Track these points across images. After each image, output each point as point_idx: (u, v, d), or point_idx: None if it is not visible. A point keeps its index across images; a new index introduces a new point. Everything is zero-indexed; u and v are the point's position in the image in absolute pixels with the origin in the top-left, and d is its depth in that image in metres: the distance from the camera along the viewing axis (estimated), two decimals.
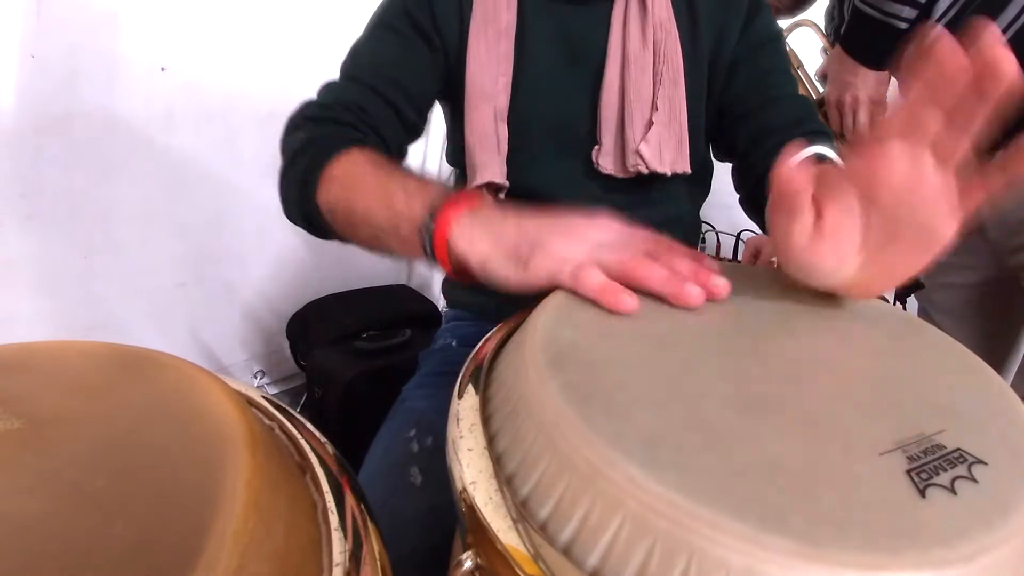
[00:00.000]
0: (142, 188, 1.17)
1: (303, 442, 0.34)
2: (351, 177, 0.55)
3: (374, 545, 0.29)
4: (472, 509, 0.30)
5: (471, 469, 0.32)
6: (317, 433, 0.35)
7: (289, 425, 0.35)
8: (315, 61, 1.12)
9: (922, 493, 0.27)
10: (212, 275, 1.31)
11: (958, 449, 0.30)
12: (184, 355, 0.35)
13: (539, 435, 0.31)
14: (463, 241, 0.46)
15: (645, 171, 0.66)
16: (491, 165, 0.67)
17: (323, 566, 0.27)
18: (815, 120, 0.66)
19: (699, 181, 0.70)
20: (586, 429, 0.29)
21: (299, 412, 0.37)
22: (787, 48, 1.13)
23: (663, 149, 0.66)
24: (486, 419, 0.35)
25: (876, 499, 0.27)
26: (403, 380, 0.75)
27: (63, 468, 0.26)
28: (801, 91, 1.11)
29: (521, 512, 0.29)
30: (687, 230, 0.77)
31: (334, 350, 1.24)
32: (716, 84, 0.69)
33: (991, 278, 0.93)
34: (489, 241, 0.46)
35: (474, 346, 0.43)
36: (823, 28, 1.13)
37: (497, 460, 0.32)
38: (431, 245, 0.48)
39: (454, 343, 0.77)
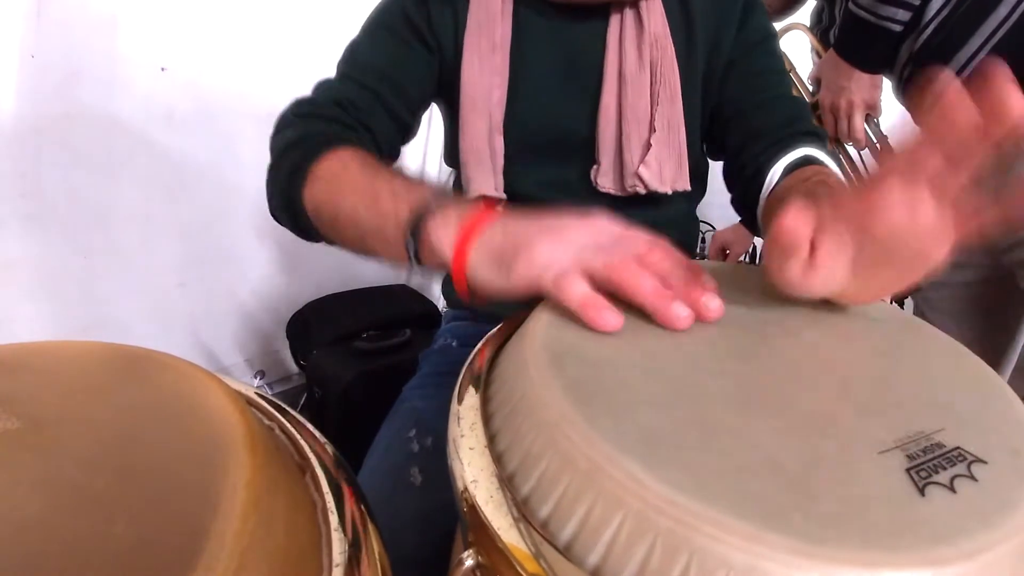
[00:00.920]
0: (142, 188, 1.17)
1: (303, 442, 0.34)
2: (337, 176, 0.54)
3: (374, 545, 0.29)
4: (473, 508, 0.30)
5: (472, 468, 0.32)
6: (317, 433, 0.35)
7: (289, 425, 0.35)
8: (315, 61, 1.12)
9: (922, 491, 0.27)
10: (212, 275, 1.31)
11: (957, 448, 0.30)
12: (184, 355, 0.35)
13: (540, 434, 0.31)
14: (446, 245, 0.44)
15: (644, 191, 0.66)
16: (482, 178, 0.66)
17: (323, 566, 0.27)
18: (807, 121, 0.66)
19: (695, 181, 0.70)
20: (587, 428, 0.29)
21: (299, 412, 0.37)
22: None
23: (663, 169, 0.66)
24: (487, 418, 0.35)
25: (876, 497, 0.27)
26: (403, 380, 0.75)
27: (63, 468, 0.26)
28: (794, 94, 1.12)
29: (522, 511, 0.29)
30: (684, 230, 0.77)
31: (334, 350, 1.24)
32: (711, 87, 0.69)
33: (986, 276, 0.93)
34: (475, 244, 0.43)
35: (474, 346, 0.43)
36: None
37: (498, 459, 0.32)
38: (416, 248, 0.46)
39: (454, 343, 0.77)
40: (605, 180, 0.67)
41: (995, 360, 0.97)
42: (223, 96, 1.23)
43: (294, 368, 1.41)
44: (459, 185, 0.72)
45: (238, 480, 0.25)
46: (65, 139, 1.06)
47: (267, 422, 0.36)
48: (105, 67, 1.09)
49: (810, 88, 1.10)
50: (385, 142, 0.65)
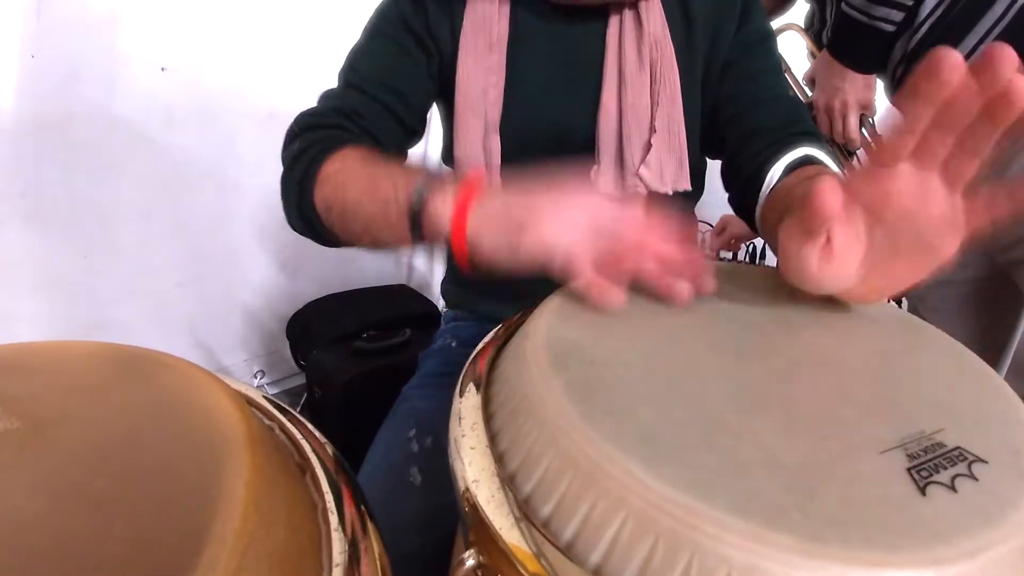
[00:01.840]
0: (142, 188, 1.17)
1: (303, 442, 0.34)
2: (342, 174, 0.56)
3: (374, 545, 0.29)
4: (474, 507, 0.30)
5: (473, 468, 0.32)
6: (317, 433, 0.35)
7: (289, 425, 0.35)
8: (314, 61, 1.12)
9: (922, 491, 0.27)
10: (212, 275, 1.31)
11: (958, 447, 0.30)
12: (184, 355, 0.35)
13: (541, 433, 0.31)
14: (445, 217, 0.46)
15: (645, 192, 0.66)
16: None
17: (323, 566, 0.27)
18: (806, 121, 0.66)
19: (693, 181, 0.70)
20: (588, 427, 0.29)
21: (299, 412, 0.37)
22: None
23: (663, 170, 0.66)
24: (488, 418, 0.35)
25: (877, 497, 0.27)
26: (403, 380, 0.75)
27: (63, 468, 0.26)
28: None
29: (523, 510, 0.29)
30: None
31: (334, 350, 1.24)
32: (709, 86, 0.69)
33: (982, 275, 0.93)
34: (480, 218, 0.46)
35: (474, 346, 0.43)
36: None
37: (499, 459, 0.32)
38: (418, 225, 0.48)
39: (454, 344, 0.77)
40: (604, 181, 0.67)
41: (991, 359, 0.97)
42: (223, 96, 1.23)
43: (294, 368, 1.41)
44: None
45: (238, 480, 0.25)
46: (65, 139, 1.07)
47: (267, 422, 0.36)
48: (105, 67, 1.09)
49: (806, 90, 1.10)
50: (392, 148, 0.65)
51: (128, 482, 0.26)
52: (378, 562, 0.29)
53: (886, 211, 0.36)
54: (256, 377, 1.38)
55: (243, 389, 0.37)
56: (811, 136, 0.63)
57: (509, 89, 0.66)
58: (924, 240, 0.36)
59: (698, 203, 0.80)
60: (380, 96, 0.64)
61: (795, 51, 1.15)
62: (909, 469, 0.29)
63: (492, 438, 0.33)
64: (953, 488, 0.28)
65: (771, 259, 1.54)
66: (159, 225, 1.21)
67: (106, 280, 1.16)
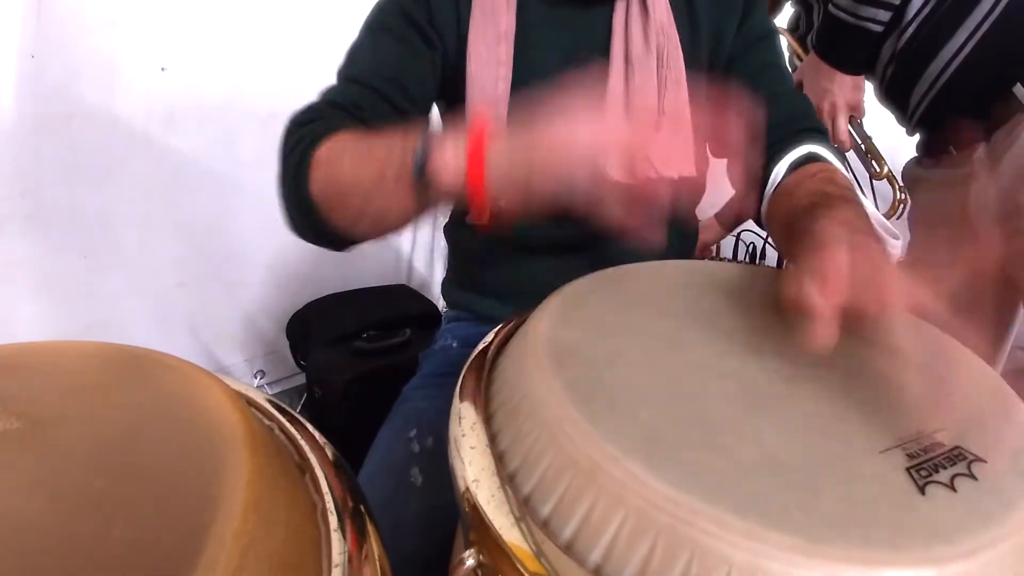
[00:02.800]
0: (142, 188, 1.17)
1: (303, 443, 0.34)
2: (336, 152, 0.54)
3: (374, 546, 0.29)
4: (474, 507, 0.30)
5: (473, 467, 0.32)
6: (317, 434, 0.35)
7: (289, 426, 0.35)
8: (315, 61, 1.12)
9: (922, 490, 0.27)
10: (212, 275, 1.30)
11: (957, 447, 0.30)
12: (184, 355, 0.35)
13: (541, 433, 0.31)
14: (456, 162, 0.45)
15: (653, 176, 0.66)
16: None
17: (323, 567, 0.27)
18: (810, 117, 0.66)
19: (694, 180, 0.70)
20: (588, 427, 0.29)
21: (299, 412, 0.37)
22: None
23: (670, 153, 0.66)
24: (488, 417, 0.35)
25: (877, 496, 0.27)
26: (403, 380, 0.75)
27: (63, 468, 0.26)
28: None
29: (523, 510, 0.29)
30: (683, 228, 0.77)
31: (334, 350, 1.24)
32: (713, 82, 0.69)
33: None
34: (495, 162, 0.44)
35: (474, 346, 0.43)
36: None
37: (499, 458, 0.32)
38: (426, 184, 0.46)
39: (454, 344, 0.77)
40: (611, 164, 0.67)
41: (990, 352, 0.97)
42: (223, 96, 1.22)
43: (294, 368, 1.41)
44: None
45: (238, 480, 0.25)
46: (65, 139, 1.06)
47: (267, 422, 0.36)
48: (105, 67, 1.08)
49: None
50: None
51: (128, 482, 0.26)
52: (378, 563, 0.29)
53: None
54: (256, 377, 1.38)
55: (243, 389, 0.37)
56: (815, 132, 0.63)
57: (516, 79, 0.66)
58: None
59: (698, 204, 0.80)
60: (379, 87, 0.62)
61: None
62: (909, 469, 0.29)
63: (492, 438, 0.33)
64: (953, 487, 0.28)
65: (771, 259, 1.54)
66: (159, 225, 1.21)
67: (106, 280, 1.16)
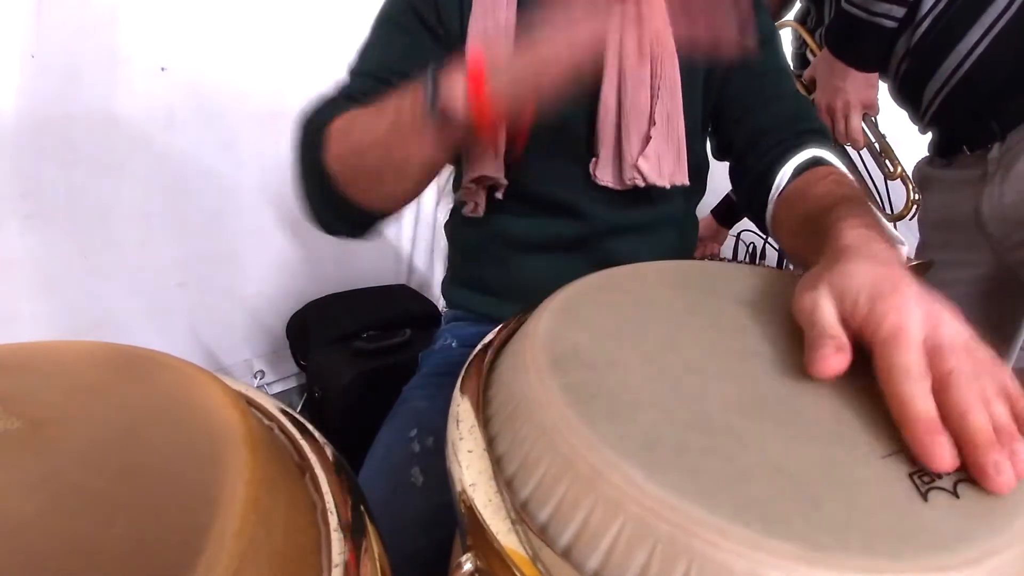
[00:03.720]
0: (142, 188, 1.17)
1: (303, 442, 0.34)
2: (348, 123, 0.56)
3: (374, 546, 0.29)
4: (471, 511, 0.30)
5: (471, 471, 0.32)
6: (317, 434, 0.35)
7: (289, 425, 0.35)
8: (315, 61, 1.12)
9: (924, 497, 0.27)
10: (212, 275, 1.30)
11: None
12: (184, 355, 0.35)
13: (540, 437, 0.31)
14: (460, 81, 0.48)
15: (643, 184, 0.66)
16: (483, 162, 0.66)
17: (323, 567, 0.27)
18: (813, 118, 0.66)
19: (695, 180, 0.70)
20: (587, 431, 0.29)
21: (299, 412, 0.37)
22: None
23: (662, 163, 0.66)
24: (486, 420, 0.35)
25: (878, 503, 0.27)
26: (403, 380, 0.75)
27: (63, 468, 0.26)
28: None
29: (521, 514, 0.29)
30: (684, 229, 0.77)
31: (334, 350, 1.24)
32: (712, 85, 0.69)
33: (989, 274, 0.93)
34: (495, 74, 0.47)
35: (474, 347, 0.42)
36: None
37: (497, 462, 0.32)
38: (440, 115, 0.48)
39: (454, 344, 0.77)
40: (604, 173, 0.67)
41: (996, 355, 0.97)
42: (223, 96, 1.22)
43: (294, 368, 1.41)
44: (459, 179, 0.72)
45: (238, 480, 0.25)
46: (65, 139, 1.06)
47: (267, 422, 0.36)
48: (105, 67, 1.08)
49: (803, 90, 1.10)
50: None
51: (128, 482, 0.26)
52: (378, 563, 0.29)
53: None
54: (256, 377, 1.38)
55: (243, 389, 0.37)
56: (818, 134, 0.63)
57: None
58: None
59: (699, 203, 0.80)
60: (389, 78, 0.62)
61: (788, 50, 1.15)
62: (911, 475, 0.28)
63: (490, 441, 0.33)
64: (955, 494, 0.28)
65: (771, 260, 1.54)
66: (159, 225, 1.21)
67: (106, 280, 1.16)
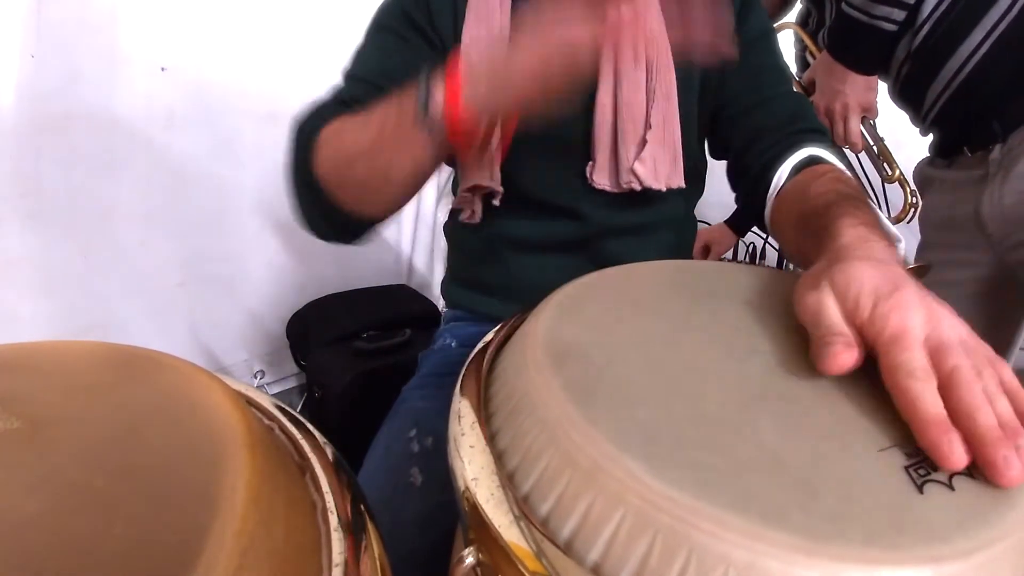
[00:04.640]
0: (142, 188, 1.17)
1: (303, 442, 0.34)
2: (337, 129, 0.55)
3: (374, 546, 0.29)
4: (474, 506, 0.30)
5: (473, 466, 0.32)
6: (317, 433, 0.35)
7: (289, 425, 0.35)
8: (315, 61, 1.12)
9: (920, 489, 0.28)
10: (212, 275, 1.30)
11: None
12: (184, 355, 0.35)
13: (541, 432, 0.31)
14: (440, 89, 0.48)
15: (639, 188, 0.66)
16: (476, 170, 0.66)
17: (323, 566, 0.27)
18: (810, 118, 0.66)
19: (692, 180, 0.70)
20: (587, 426, 0.29)
21: (299, 412, 0.37)
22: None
23: (658, 166, 0.65)
24: (488, 417, 0.35)
25: (876, 495, 0.27)
26: (403, 380, 0.75)
27: (63, 468, 0.26)
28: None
29: (522, 508, 0.29)
30: (682, 230, 0.77)
31: (334, 350, 1.24)
32: (709, 85, 0.68)
33: (989, 275, 0.93)
34: (470, 78, 0.48)
35: (473, 346, 0.43)
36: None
37: (499, 457, 0.32)
38: (428, 107, 0.48)
39: (453, 344, 0.77)
40: (600, 177, 0.67)
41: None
42: (223, 96, 1.22)
43: (294, 368, 1.41)
44: (457, 183, 0.72)
45: (238, 480, 0.25)
46: (65, 139, 1.06)
47: (267, 422, 0.36)
48: (105, 67, 1.08)
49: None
50: None
51: (128, 482, 0.26)
52: (378, 562, 0.29)
53: None
54: (256, 377, 1.38)
55: (243, 389, 0.37)
56: (816, 133, 0.63)
57: None
58: None
59: (698, 203, 0.80)
60: (382, 84, 0.62)
61: (788, 51, 1.14)
62: (907, 468, 0.29)
63: (492, 437, 0.34)
64: (951, 486, 0.28)
65: (771, 259, 1.54)
66: (159, 225, 1.21)
67: (106, 280, 1.16)
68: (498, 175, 0.67)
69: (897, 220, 1.08)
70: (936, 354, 0.31)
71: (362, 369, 1.18)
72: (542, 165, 0.69)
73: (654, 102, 0.65)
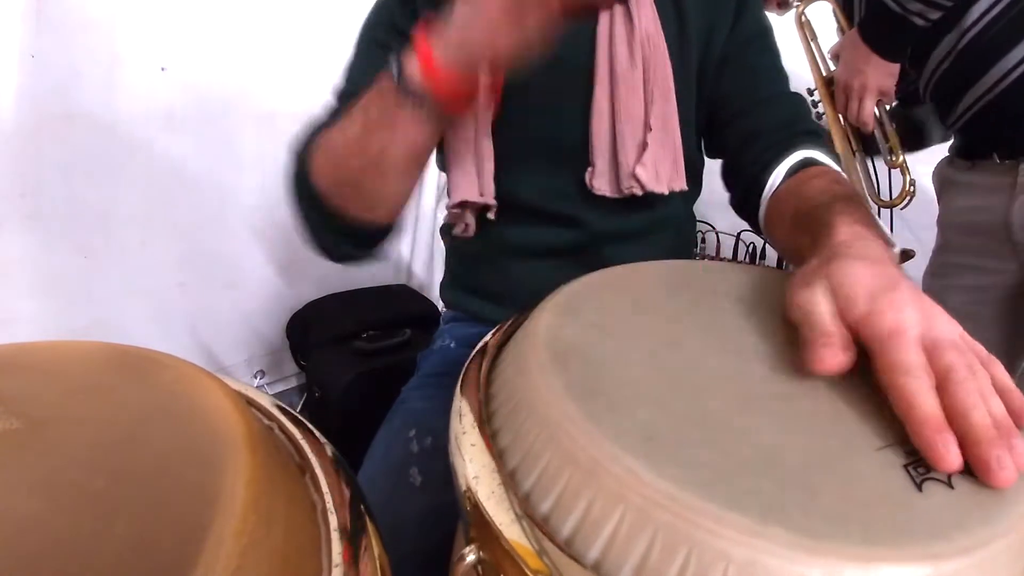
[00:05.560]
0: (142, 188, 1.17)
1: (303, 442, 0.34)
2: (326, 138, 0.55)
3: (374, 546, 0.29)
4: (475, 504, 0.30)
5: (474, 465, 0.32)
6: (317, 433, 0.35)
7: (289, 425, 0.35)
8: (315, 62, 1.12)
9: (919, 487, 0.28)
10: (212, 275, 1.30)
11: None
12: (184, 355, 0.35)
13: (541, 431, 0.31)
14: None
15: (641, 193, 0.64)
16: (465, 182, 0.65)
17: (322, 566, 0.27)
18: (806, 119, 0.65)
19: (691, 180, 0.69)
20: (588, 424, 0.29)
21: (299, 412, 0.37)
22: (803, 22, 1.10)
23: (659, 170, 0.64)
24: (489, 416, 0.35)
25: (874, 493, 0.27)
26: (403, 380, 0.75)
27: (63, 468, 0.26)
28: (811, 68, 1.09)
29: (523, 507, 0.29)
30: (682, 231, 0.77)
31: (334, 350, 1.24)
32: (705, 83, 0.67)
33: (1013, 283, 0.92)
34: (442, 44, 0.47)
35: (473, 347, 0.43)
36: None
37: (499, 456, 0.32)
38: (404, 80, 0.48)
39: (452, 344, 0.77)
40: (600, 182, 0.65)
41: (1010, 364, 0.96)
42: (223, 96, 1.22)
43: (294, 368, 1.41)
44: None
45: (238, 480, 0.25)
46: (65, 139, 1.06)
47: (267, 422, 0.36)
48: (105, 67, 1.08)
49: (830, 64, 1.09)
50: None
51: (128, 482, 0.26)
52: (378, 562, 0.29)
53: None
54: (256, 377, 1.38)
55: (243, 389, 0.37)
56: (812, 135, 0.62)
57: (502, 89, 0.65)
58: None
59: (697, 203, 0.80)
60: None
61: (824, 22, 1.14)
62: (906, 466, 0.29)
63: (492, 436, 0.34)
64: (950, 484, 0.28)
65: (771, 259, 1.54)
66: (159, 225, 1.21)
67: (106, 280, 1.16)
68: (491, 188, 0.65)
69: (893, 204, 1.07)
70: (931, 353, 0.31)
71: (362, 369, 1.18)
72: (538, 173, 0.67)
73: (653, 103, 0.63)
